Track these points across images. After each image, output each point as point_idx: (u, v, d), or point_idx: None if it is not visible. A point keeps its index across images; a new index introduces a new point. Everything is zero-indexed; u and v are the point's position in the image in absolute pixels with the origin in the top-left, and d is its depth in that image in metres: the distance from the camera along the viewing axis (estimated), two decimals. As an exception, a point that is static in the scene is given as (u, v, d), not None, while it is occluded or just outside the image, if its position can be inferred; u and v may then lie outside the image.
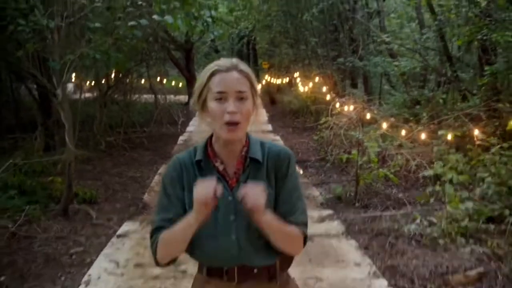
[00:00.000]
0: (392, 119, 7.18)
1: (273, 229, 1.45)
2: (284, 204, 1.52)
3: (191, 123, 12.41)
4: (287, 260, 1.60)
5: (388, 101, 10.58)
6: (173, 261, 1.54)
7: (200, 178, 1.45)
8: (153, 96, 12.77)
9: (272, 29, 13.85)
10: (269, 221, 1.43)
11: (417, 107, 8.14)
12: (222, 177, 1.51)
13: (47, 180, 5.84)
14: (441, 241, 4.05)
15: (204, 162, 1.52)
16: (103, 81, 9.99)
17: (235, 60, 1.50)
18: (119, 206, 5.60)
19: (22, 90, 12.11)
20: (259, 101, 1.54)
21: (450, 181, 4.75)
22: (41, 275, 3.69)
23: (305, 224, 1.54)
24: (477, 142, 5.27)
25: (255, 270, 1.52)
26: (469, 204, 4.43)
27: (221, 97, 1.44)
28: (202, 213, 1.39)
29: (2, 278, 3.55)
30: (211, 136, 1.56)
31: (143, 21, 5.20)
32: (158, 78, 14.86)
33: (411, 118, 7.48)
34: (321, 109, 9.74)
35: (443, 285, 3.36)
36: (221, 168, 1.52)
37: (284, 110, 15.15)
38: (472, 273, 3.45)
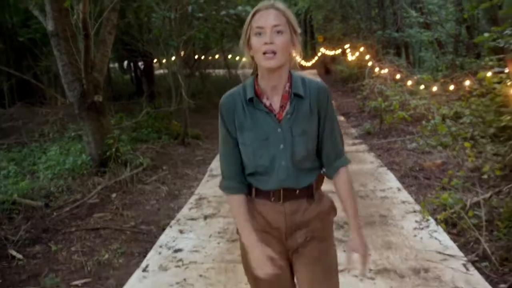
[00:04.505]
0: (415, 78, 9.30)
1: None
2: (328, 140, 1.71)
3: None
4: (321, 180, 1.78)
5: (423, 66, 12.61)
6: None
7: (250, 114, 1.64)
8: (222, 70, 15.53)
9: (323, 8, 16.08)
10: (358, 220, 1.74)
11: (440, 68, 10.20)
12: (269, 111, 1.65)
13: (166, 124, 8.58)
14: (426, 149, 6.34)
15: (254, 99, 1.64)
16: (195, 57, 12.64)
17: (273, 1, 1.60)
18: (216, 141, 8.21)
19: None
20: (299, 39, 1.66)
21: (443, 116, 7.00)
22: (184, 167, 6.38)
23: (346, 158, 1.75)
24: (467, 89, 7.39)
25: (297, 192, 1.70)
26: (453, 129, 6.67)
27: (260, 32, 1.56)
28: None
29: (164, 167, 6.24)
30: (256, 75, 1.68)
31: (231, 11, 7.66)
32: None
33: (428, 77, 9.54)
34: (364, 74, 11.90)
35: (418, 167, 5.68)
36: (267, 103, 1.65)
37: (336, 78, 17.43)
38: (438, 162, 5.74)
